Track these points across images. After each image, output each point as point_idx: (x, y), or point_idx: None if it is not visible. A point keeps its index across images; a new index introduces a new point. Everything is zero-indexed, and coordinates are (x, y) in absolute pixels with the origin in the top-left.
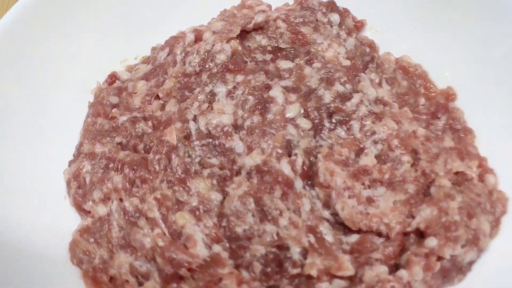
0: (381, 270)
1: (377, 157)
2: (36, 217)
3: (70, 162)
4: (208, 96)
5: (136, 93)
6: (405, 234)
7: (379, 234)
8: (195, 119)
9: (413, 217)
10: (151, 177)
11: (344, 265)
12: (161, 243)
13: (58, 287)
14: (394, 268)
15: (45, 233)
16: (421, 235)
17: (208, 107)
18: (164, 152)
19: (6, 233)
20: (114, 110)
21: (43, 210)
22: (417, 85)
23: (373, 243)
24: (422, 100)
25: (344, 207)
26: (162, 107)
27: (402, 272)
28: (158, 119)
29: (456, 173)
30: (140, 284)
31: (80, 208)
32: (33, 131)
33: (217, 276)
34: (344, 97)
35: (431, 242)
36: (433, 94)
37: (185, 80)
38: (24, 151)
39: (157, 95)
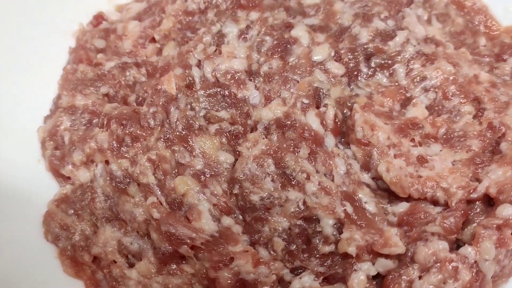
0: (440, 247)
1: (429, 107)
2: (4, 185)
3: (46, 118)
4: (216, 38)
5: (126, 35)
6: (469, 201)
7: (435, 203)
8: (199, 64)
9: (479, 180)
10: (144, 134)
11: (391, 241)
12: (156, 215)
13: (29, 269)
14: (456, 246)
15: (14, 203)
16: (489, 203)
17: (215, 50)
18: (160, 104)
19: None
20: (99, 55)
21: (13, 176)
22: (476, 23)
23: (427, 213)
24: (482, 40)
25: (389, 168)
26: (159, 52)
27: (467, 250)
28: (154, 65)
29: None
30: (131, 265)
31: (57, 173)
32: (2, 82)
33: (227, 255)
34: (386, 36)
35: (506, 210)
36: (496, 33)
37: (187, 19)
38: None
39: (153, 38)
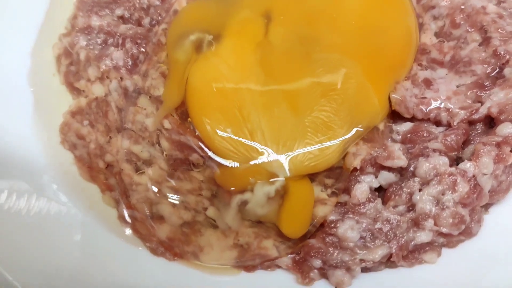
0: (440, 161)
1: (437, 34)
2: (18, 95)
3: (61, 36)
4: None
5: None
6: (471, 122)
7: (438, 123)
8: None
9: (481, 103)
10: (156, 50)
11: (394, 154)
12: (167, 125)
13: (50, 172)
14: (456, 163)
15: (28, 115)
16: (490, 124)
17: None
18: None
19: None
20: None
21: (28, 86)
22: None
23: (430, 132)
24: None
25: (396, 88)
26: None
27: (467, 165)
28: None
29: None
30: (139, 170)
31: (71, 86)
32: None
33: None
34: None
35: (506, 128)
36: None
37: None
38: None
39: None
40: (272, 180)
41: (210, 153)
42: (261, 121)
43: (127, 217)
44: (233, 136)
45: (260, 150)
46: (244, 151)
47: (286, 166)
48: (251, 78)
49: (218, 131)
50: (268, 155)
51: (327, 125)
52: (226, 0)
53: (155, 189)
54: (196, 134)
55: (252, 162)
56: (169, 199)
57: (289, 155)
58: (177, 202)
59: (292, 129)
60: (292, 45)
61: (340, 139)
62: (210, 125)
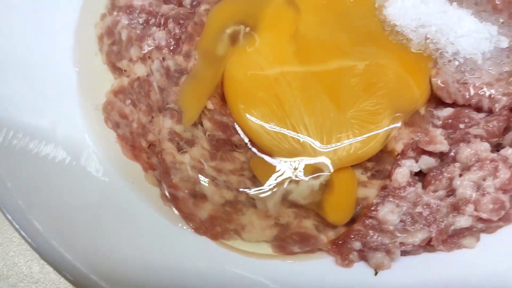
0: (482, 147)
1: None
2: (59, 74)
3: (102, 16)
4: None
5: None
6: None
7: (479, 109)
8: None
9: None
10: (199, 30)
11: (436, 139)
12: (210, 106)
13: (95, 150)
14: (496, 149)
15: (73, 93)
16: None
17: None
18: (214, 1)
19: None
20: None
21: (70, 63)
22: None
23: (471, 118)
24: None
25: (438, 73)
26: None
27: (508, 151)
28: None
29: None
30: (181, 150)
31: (114, 66)
32: None
33: None
34: None
35: None
36: None
37: None
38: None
39: None
40: (316, 174)
41: (254, 149)
42: (303, 115)
43: (168, 196)
44: (277, 129)
45: (304, 144)
46: (288, 145)
47: (331, 160)
48: (289, 71)
49: (262, 124)
50: (313, 150)
51: (370, 117)
52: None
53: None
54: None
55: (296, 158)
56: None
57: (333, 148)
58: (219, 182)
59: (335, 122)
60: (325, 37)
61: (384, 129)
62: (253, 120)
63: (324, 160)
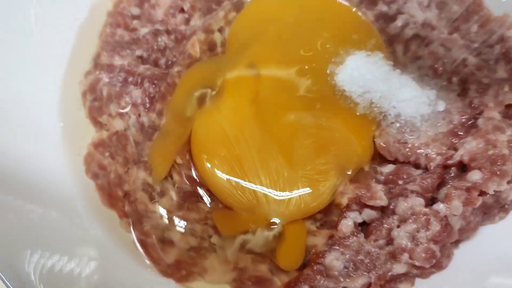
0: (417, 202)
1: None
2: (46, 127)
3: (86, 74)
4: (237, 5)
5: (159, 5)
6: (446, 167)
7: (417, 166)
8: (220, 29)
9: (456, 149)
10: (171, 91)
11: (376, 195)
12: (179, 160)
13: (76, 198)
14: (431, 203)
15: (58, 145)
16: (463, 169)
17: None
18: (186, 64)
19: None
20: (135, 21)
21: (55, 119)
22: (470, 11)
23: (409, 174)
24: (474, 27)
25: (381, 134)
26: (187, 22)
27: (439, 206)
28: (182, 33)
29: (508, 106)
30: (153, 199)
31: (95, 120)
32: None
33: None
34: (388, 19)
35: (475, 175)
36: (487, 22)
37: None
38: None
39: (182, 8)
40: (271, 227)
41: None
42: (260, 174)
43: (138, 242)
44: (236, 185)
45: (260, 199)
46: (246, 200)
47: (283, 214)
48: (249, 133)
49: (224, 180)
50: (267, 204)
51: (319, 175)
52: (222, 59)
53: (166, 218)
54: None
55: (252, 212)
56: (177, 227)
57: (286, 203)
58: (184, 230)
59: (288, 180)
60: (282, 101)
61: (330, 186)
62: (216, 177)
63: (277, 214)
